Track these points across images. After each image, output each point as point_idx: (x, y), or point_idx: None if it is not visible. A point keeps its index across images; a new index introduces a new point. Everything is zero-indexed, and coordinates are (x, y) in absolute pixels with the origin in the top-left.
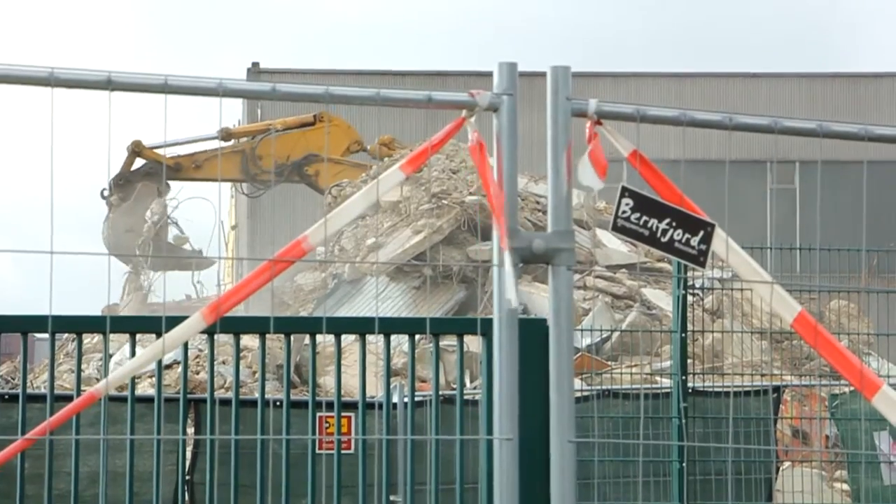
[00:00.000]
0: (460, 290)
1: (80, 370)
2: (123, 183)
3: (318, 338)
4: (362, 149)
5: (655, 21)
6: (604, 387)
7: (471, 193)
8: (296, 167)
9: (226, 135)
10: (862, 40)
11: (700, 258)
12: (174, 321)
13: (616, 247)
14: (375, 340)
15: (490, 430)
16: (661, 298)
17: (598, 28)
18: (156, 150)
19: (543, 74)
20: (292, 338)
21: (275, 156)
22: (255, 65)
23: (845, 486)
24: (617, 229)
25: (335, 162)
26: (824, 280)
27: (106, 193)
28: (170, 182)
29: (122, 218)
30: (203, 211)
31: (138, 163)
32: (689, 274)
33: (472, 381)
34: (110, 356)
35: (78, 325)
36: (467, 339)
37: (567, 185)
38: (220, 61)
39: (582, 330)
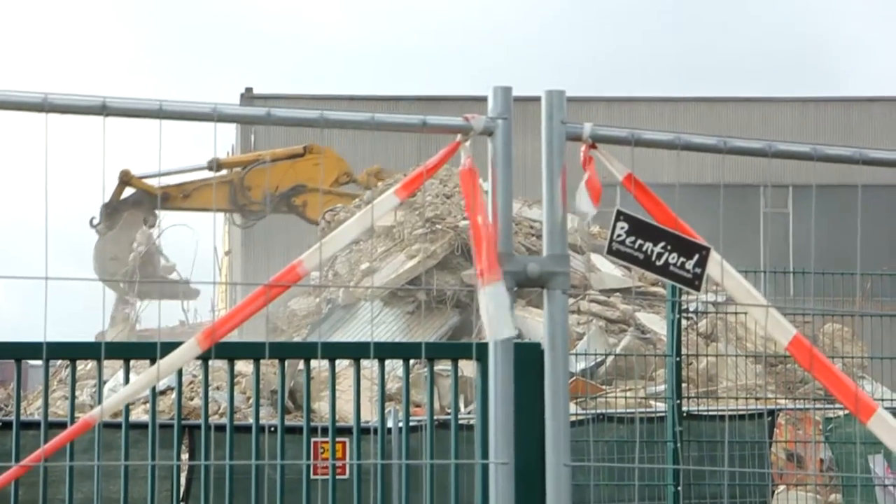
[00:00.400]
0: (454, 314)
1: (73, 397)
2: (111, 212)
3: (312, 363)
4: (352, 180)
5: (648, 46)
6: (598, 411)
7: (464, 218)
8: (284, 198)
9: (216, 165)
10: (855, 65)
11: (695, 282)
12: (169, 347)
13: (610, 271)
14: (371, 366)
15: (485, 455)
16: (655, 322)
17: (590, 53)
18: (144, 180)
19: (536, 99)
20: (286, 363)
21: (263, 186)
22: (249, 90)
23: None
24: (612, 253)
25: (324, 192)
26: (818, 304)
27: (95, 222)
28: (158, 212)
29: (107, 246)
30: (192, 239)
31: (129, 192)
32: (684, 298)
33: (466, 406)
34: (104, 382)
35: (73, 352)
36: (460, 363)
37: (562, 209)
38: (213, 87)
39: (576, 354)
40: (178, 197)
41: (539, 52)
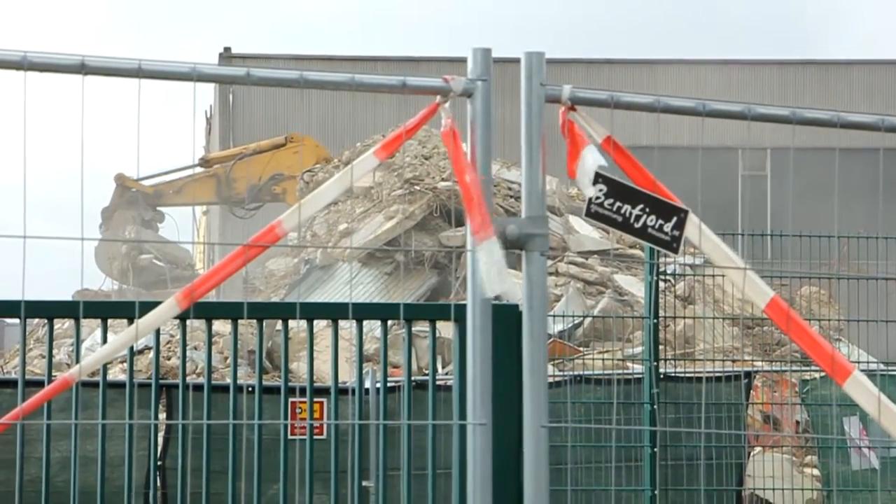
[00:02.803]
0: (432, 275)
1: (51, 355)
2: (109, 215)
3: (290, 323)
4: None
5: (625, 8)
6: (575, 373)
7: (443, 179)
8: (265, 187)
9: (205, 162)
10: (834, 28)
11: (673, 244)
12: (147, 306)
13: (588, 233)
14: (350, 326)
15: (463, 416)
16: (633, 285)
17: (568, 15)
18: (139, 181)
19: (514, 61)
20: (264, 323)
21: (248, 178)
22: (227, 50)
23: (815, 472)
24: (590, 215)
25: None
26: (795, 266)
27: (103, 228)
28: (161, 209)
29: (104, 247)
30: (180, 226)
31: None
32: (661, 260)
33: (443, 367)
34: (82, 342)
35: (51, 310)
36: (438, 324)
37: (541, 171)
38: (189, 48)
39: (554, 316)
40: (170, 193)
41: (514, 13)
